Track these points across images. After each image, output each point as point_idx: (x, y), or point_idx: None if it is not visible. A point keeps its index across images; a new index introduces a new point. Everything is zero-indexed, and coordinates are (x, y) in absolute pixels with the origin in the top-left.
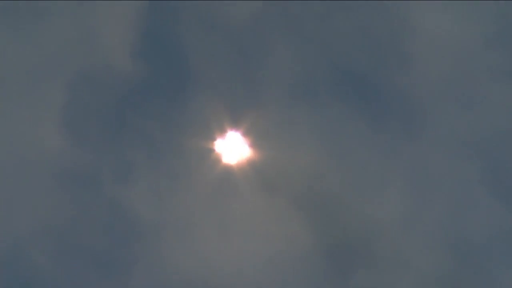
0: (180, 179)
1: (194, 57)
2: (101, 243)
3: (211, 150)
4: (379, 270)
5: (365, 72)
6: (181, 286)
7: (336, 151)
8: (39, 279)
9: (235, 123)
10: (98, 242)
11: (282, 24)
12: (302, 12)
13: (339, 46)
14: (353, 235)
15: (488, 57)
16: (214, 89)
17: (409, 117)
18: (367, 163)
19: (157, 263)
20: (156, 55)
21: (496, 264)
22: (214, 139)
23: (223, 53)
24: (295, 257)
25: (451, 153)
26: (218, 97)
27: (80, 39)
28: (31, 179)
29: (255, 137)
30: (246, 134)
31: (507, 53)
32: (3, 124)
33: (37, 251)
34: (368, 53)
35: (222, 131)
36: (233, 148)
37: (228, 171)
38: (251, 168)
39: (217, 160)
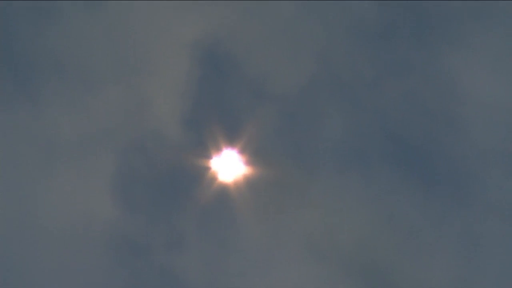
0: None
1: (245, 125)
2: None
3: None
4: None
5: (416, 139)
6: None
7: (386, 217)
8: None
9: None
10: None
11: (334, 92)
12: (352, 79)
13: (389, 113)
14: None
15: None
16: (266, 157)
17: (460, 184)
18: (418, 230)
19: None
20: (206, 123)
21: None
22: None
23: (273, 121)
24: None
25: (503, 220)
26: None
27: (132, 108)
28: (83, 247)
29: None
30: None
31: None
32: (56, 193)
33: None
34: (418, 120)
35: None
36: None
37: None
38: None
39: None
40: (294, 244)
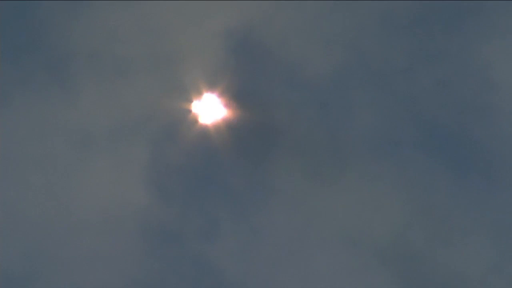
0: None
1: (275, 116)
2: None
3: None
4: None
5: (449, 127)
6: None
7: (419, 204)
8: None
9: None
10: None
11: (366, 80)
12: (383, 67)
13: (422, 101)
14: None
15: None
16: (297, 142)
17: (494, 172)
18: (452, 218)
19: None
20: (240, 113)
21: None
22: None
23: (304, 109)
24: None
25: None
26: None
27: (165, 96)
28: (116, 235)
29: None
30: None
31: None
32: (88, 181)
33: None
34: (451, 108)
35: None
36: None
37: None
38: None
39: None
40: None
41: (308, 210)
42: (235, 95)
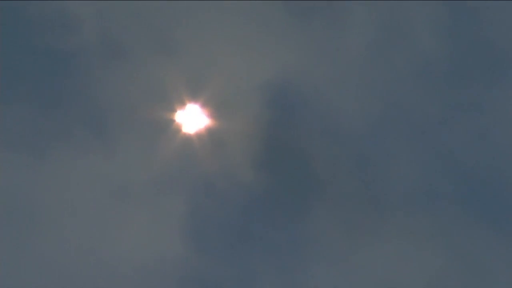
0: None
1: (313, 168)
2: None
3: None
4: None
5: (487, 179)
6: None
7: (456, 256)
8: None
9: None
10: None
11: (403, 131)
12: (421, 118)
13: (459, 153)
14: None
15: None
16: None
17: None
18: (489, 271)
19: None
20: (278, 166)
21: None
22: None
23: (342, 161)
24: None
25: None
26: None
27: (201, 150)
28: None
29: None
30: None
31: None
32: (127, 233)
33: None
34: (489, 160)
35: None
36: None
37: None
38: None
39: None
40: None
41: (345, 262)
42: (271, 149)
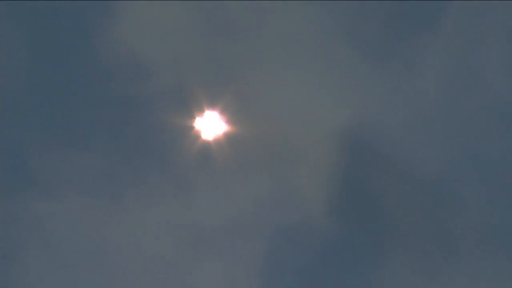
0: None
1: (387, 212)
2: None
3: None
4: None
5: None
6: None
7: None
8: None
9: None
10: None
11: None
12: (497, 160)
13: None
14: None
15: None
16: (409, 236)
17: None
18: None
19: None
20: (352, 213)
21: None
22: None
23: (418, 205)
24: None
25: None
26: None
27: (279, 195)
28: None
29: None
30: None
31: None
32: (202, 280)
33: None
34: None
35: None
36: None
37: None
38: None
39: None
40: None
41: None
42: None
